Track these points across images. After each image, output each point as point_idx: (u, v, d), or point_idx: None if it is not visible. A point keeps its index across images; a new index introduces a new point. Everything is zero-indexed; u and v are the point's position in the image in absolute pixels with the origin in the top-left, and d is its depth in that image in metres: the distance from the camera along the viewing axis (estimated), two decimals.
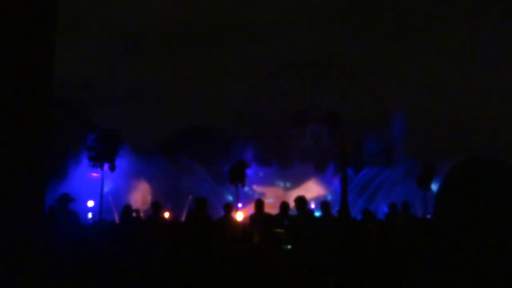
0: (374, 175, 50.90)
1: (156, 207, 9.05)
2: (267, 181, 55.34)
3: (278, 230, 8.34)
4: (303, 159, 58.99)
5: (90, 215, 40.06)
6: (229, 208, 9.24)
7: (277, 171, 57.14)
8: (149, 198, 41.95)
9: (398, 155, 57.20)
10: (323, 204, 9.39)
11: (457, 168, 1.30)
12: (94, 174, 43.52)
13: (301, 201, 8.60)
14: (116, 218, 36.80)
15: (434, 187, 41.56)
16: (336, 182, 48.74)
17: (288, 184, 55.58)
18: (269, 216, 8.93)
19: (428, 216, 27.92)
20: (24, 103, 2.37)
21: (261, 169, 57.14)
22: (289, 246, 8.20)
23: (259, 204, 8.83)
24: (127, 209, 9.21)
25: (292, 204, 8.95)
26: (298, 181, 53.68)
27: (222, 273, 7.78)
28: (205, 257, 7.89)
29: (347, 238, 8.88)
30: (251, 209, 9.07)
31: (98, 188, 41.40)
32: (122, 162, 43.84)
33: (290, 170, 56.59)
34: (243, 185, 48.68)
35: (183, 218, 29.66)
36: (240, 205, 42.05)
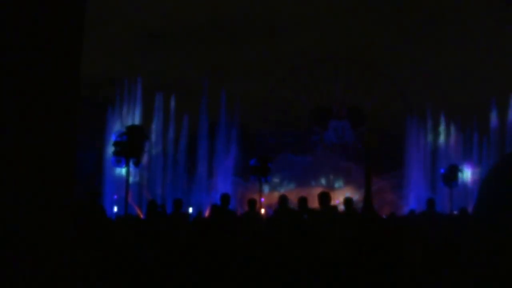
0: None
1: (177, 204, 9.12)
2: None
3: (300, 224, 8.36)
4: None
5: (116, 208, 40.71)
6: (253, 203, 9.28)
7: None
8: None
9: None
10: (346, 200, 9.38)
11: (502, 163, 1.28)
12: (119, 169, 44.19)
13: (323, 196, 8.64)
14: (139, 212, 37.31)
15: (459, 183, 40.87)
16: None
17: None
18: (292, 211, 8.97)
19: (455, 212, 27.44)
20: (53, 101, 2.42)
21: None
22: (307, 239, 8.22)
23: (283, 200, 8.88)
24: (152, 204, 9.31)
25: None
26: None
27: (244, 268, 7.82)
28: (228, 252, 7.93)
29: (365, 235, 8.79)
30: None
31: (123, 183, 41.94)
32: (147, 157, 44.43)
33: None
34: (266, 180, 48.79)
35: (206, 213, 29.85)
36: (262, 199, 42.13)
